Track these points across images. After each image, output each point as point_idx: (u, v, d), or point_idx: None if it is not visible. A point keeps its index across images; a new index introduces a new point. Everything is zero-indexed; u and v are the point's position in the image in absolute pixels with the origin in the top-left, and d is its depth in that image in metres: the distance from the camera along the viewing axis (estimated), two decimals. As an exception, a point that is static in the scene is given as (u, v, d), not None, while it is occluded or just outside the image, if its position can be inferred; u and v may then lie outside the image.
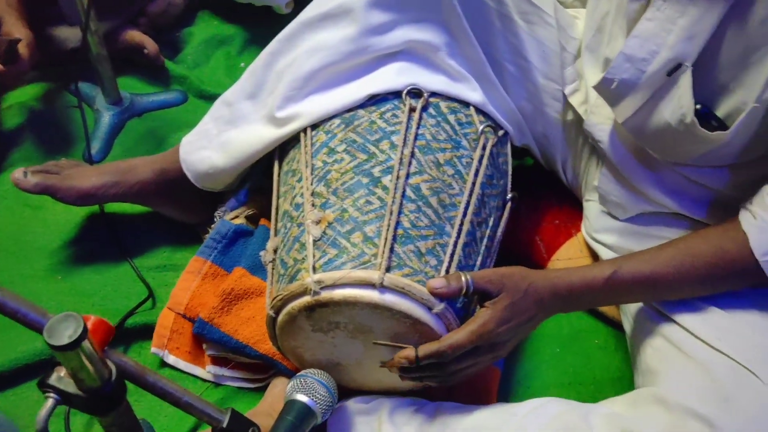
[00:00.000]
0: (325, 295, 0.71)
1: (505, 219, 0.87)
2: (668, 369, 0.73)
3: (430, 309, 0.71)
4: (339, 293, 0.71)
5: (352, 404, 0.81)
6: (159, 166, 0.95)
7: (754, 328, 0.72)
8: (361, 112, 0.81)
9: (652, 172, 0.83)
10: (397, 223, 0.74)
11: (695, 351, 0.71)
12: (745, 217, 0.71)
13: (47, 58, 1.14)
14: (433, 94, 0.83)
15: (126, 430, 0.64)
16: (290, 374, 0.83)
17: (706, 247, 0.72)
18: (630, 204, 0.86)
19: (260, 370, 0.88)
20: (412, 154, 0.78)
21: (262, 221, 0.96)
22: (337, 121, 0.82)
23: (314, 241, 0.74)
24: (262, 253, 0.83)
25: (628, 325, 0.86)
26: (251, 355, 0.85)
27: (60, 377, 0.59)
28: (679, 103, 0.71)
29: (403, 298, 0.71)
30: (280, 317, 0.75)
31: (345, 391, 0.82)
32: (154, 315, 0.93)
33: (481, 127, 0.84)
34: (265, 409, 0.82)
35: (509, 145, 0.91)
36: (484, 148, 0.83)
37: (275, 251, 0.80)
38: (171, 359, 0.90)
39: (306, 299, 0.72)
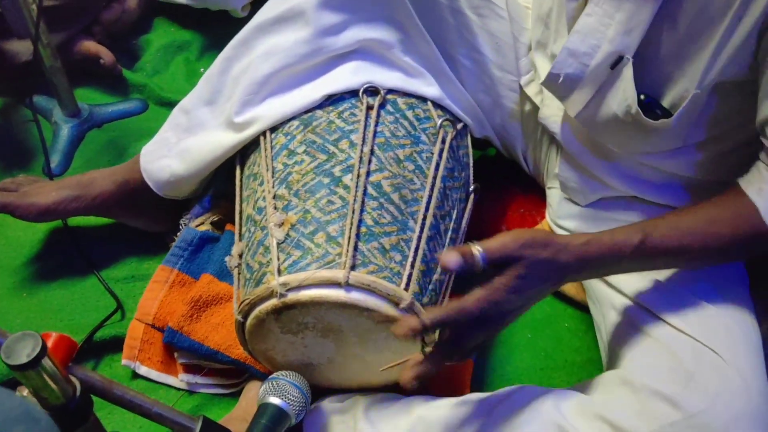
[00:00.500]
0: (292, 296, 0.71)
1: (469, 210, 0.88)
2: (633, 351, 0.74)
3: (397, 304, 0.72)
4: (305, 294, 0.71)
5: (327, 404, 0.81)
6: (120, 177, 0.94)
7: (717, 310, 0.74)
8: (319, 112, 0.81)
9: (607, 160, 0.85)
10: (360, 221, 0.74)
11: (659, 332, 0.73)
12: (749, 189, 0.69)
13: (0, 73, 1.13)
14: (390, 91, 0.83)
15: (96, 446, 0.63)
16: (263, 377, 0.83)
17: (726, 212, 0.69)
18: (589, 190, 0.87)
19: (233, 375, 0.88)
20: (372, 152, 0.78)
21: (228, 227, 0.95)
22: (295, 122, 0.82)
23: (278, 244, 0.74)
24: (227, 258, 0.83)
25: (595, 310, 0.88)
26: (223, 360, 0.85)
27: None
28: (624, 95, 0.73)
29: (370, 295, 0.71)
30: (249, 321, 0.75)
31: (319, 391, 0.82)
32: (123, 327, 0.92)
33: (439, 122, 0.85)
34: (239, 414, 0.82)
35: (469, 138, 0.92)
36: (443, 141, 0.84)
37: (240, 256, 0.80)
38: (143, 370, 0.89)
39: (273, 302, 0.72)
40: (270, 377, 0.74)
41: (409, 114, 0.83)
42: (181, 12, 1.35)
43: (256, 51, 0.84)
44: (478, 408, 0.76)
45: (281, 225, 0.75)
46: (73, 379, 0.60)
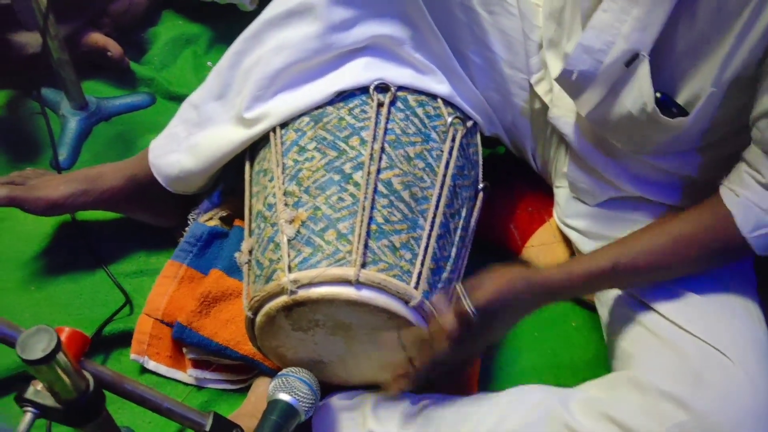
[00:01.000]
0: (302, 294, 0.71)
1: (478, 209, 0.88)
2: (642, 352, 0.74)
3: (407, 303, 0.72)
4: (316, 291, 0.71)
5: (336, 401, 0.82)
6: (129, 171, 0.94)
7: (724, 310, 0.74)
8: (329, 109, 0.81)
9: (616, 161, 0.84)
10: (370, 218, 0.74)
11: (667, 333, 0.73)
12: (726, 196, 0.71)
13: (7, 65, 1.12)
14: (401, 88, 0.83)
15: (108, 440, 0.64)
16: (272, 374, 0.83)
17: (694, 229, 0.72)
18: (598, 191, 0.87)
19: (242, 371, 0.88)
20: (383, 149, 0.78)
21: (237, 222, 0.95)
22: (306, 119, 0.81)
23: (288, 241, 0.74)
24: (237, 254, 0.83)
25: (602, 310, 0.88)
26: (232, 356, 0.85)
27: (37, 391, 0.59)
28: (639, 93, 0.72)
29: (380, 293, 0.71)
30: (259, 318, 0.75)
31: (328, 388, 0.82)
32: (132, 321, 0.92)
33: (449, 119, 0.85)
34: (248, 410, 0.83)
35: (479, 136, 0.91)
36: (453, 139, 0.84)
37: (250, 252, 0.80)
38: (152, 365, 0.89)
39: (283, 299, 0.72)
40: (280, 374, 0.74)
41: (420, 111, 0.83)
42: (189, 5, 1.35)
43: (266, 45, 0.84)
44: (486, 406, 0.77)
45: (292, 222, 0.75)
46: (85, 373, 0.60)
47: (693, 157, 0.79)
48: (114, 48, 1.21)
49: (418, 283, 0.73)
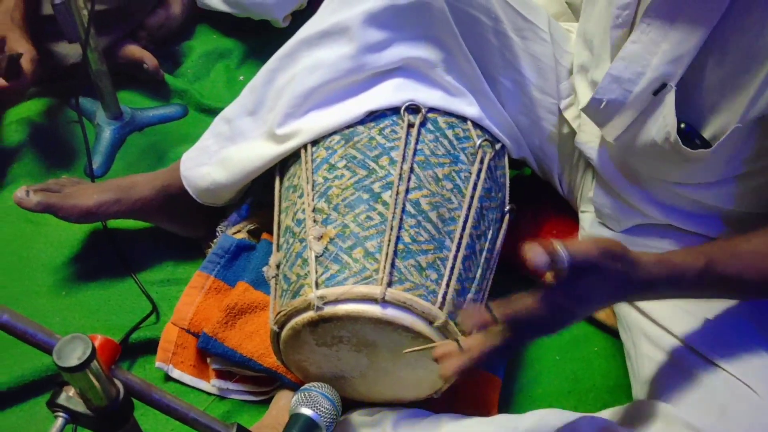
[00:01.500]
0: (328, 310, 0.72)
1: (504, 231, 0.88)
2: (666, 382, 0.74)
3: (431, 323, 0.73)
4: (342, 308, 0.72)
5: (356, 417, 0.82)
6: (160, 182, 0.96)
7: (751, 343, 0.73)
8: (360, 128, 0.83)
9: (642, 187, 0.84)
10: (398, 238, 0.75)
11: (693, 364, 0.73)
12: None
13: (47, 74, 1.15)
14: (431, 109, 0.84)
15: (134, 448, 0.65)
16: (294, 387, 0.85)
17: None
18: (624, 217, 0.87)
19: (264, 383, 0.89)
20: (411, 170, 0.79)
21: (264, 235, 0.97)
22: (336, 137, 0.83)
23: (316, 257, 0.75)
24: (265, 268, 0.84)
25: (625, 336, 0.87)
26: (255, 368, 0.86)
27: (69, 397, 0.60)
28: (664, 122, 0.73)
29: (405, 312, 0.72)
30: (284, 332, 0.76)
31: (349, 404, 0.83)
32: (158, 329, 0.94)
33: (478, 141, 0.85)
34: (269, 423, 0.83)
35: (506, 158, 0.92)
36: (482, 161, 0.85)
37: (278, 266, 0.81)
38: (176, 373, 0.91)
39: (309, 314, 0.73)
40: (302, 388, 0.75)
41: (449, 133, 0.84)
42: (223, 20, 1.38)
43: (300, 64, 0.85)
44: (506, 429, 0.76)
45: (320, 238, 0.76)
46: (116, 381, 0.61)
47: (719, 188, 0.79)
48: (150, 60, 1.24)
49: (443, 303, 0.74)
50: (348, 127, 0.83)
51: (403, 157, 0.80)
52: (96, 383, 0.57)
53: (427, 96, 0.84)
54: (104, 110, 1.18)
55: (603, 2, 0.79)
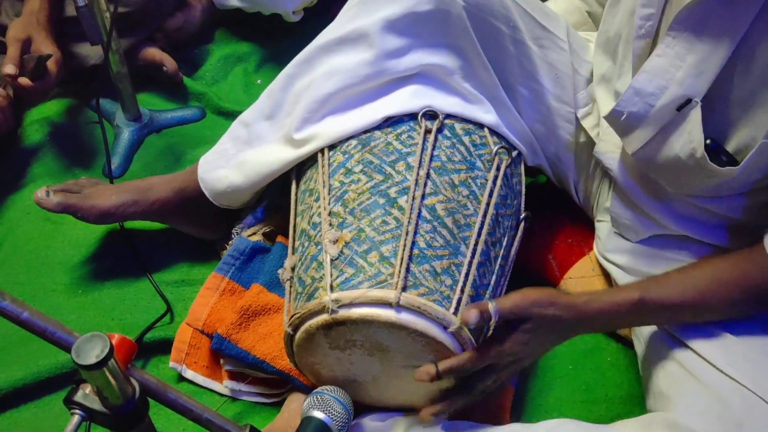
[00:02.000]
0: (343, 313, 0.72)
1: (519, 238, 0.88)
2: (680, 394, 0.73)
3: (445, 328, 0.73)
4: (356, 312, 0.72)
5: (368, 421, 0.82)
6: (177, 185, 0.97)
7: (766, 355, 0.72)
8: (377, 133, 0.83)
9: (661, 199, 0.84)
10: (413, 243, 0.75)
11: (707, 377, 0.72)
12: None
13: (69, 75, 1.17)
14: (448, 116, 0.84)
15: (148, 446, 0.65)
16: (306, 390, 0.85)
17: (732, 273, 0.72)
18: (641, 227, 0.87)
19: (277, 385, 0.90)
20: (428, 175, 0.80)
21: (279, 238, 0.97)
22: (353, 142, 0.83)
23: (332, 261, 0.76)
24: (280, 271, 0.85)
25: (639, 347, 0.87)
26: (268, 370, 0.87)
27: (85, 394, 0.61)
28: (689, 138, 0.72)
29: (419, 317, 0.72)
30: (298, 335, 0.76)
31: (361, 408, 0.83)
32: (172, 330, 0.95)
33: (495, 148, 0.86)
34: (281, 425, 0.84)
35: (522, 166, 0.92)
36: (498, 168, 0.85)
37: (293, 269, 0.82)
38: (189, 374, 0.91)
39: (324, 317, 0.73)
40: (315, 391, 0.75)
41: (466, 140, 0.84)
42: (240, 25, 1.39)
43: (318, 70, 0.86)
44: (520, 438, 0.77)
45: (336, 242, 0.76)
46: (132, 380, 0.62)
47: (740, 201, 0.79)
48: (169, 63, 1.25)
49: (457, 309, 0.74)
50: (365, 132, 0.83)
51: (420, 162, 0.80)
52: (113, 381, 0.58)
53: (445, 102, 0.84)
54: (123, 112, 1.19)
55: (625, 13, 0.79)
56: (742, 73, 0.69)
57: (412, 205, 0.77)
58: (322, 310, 0.73)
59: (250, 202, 0.99)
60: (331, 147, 0.84)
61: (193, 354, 0.91)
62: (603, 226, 0.94)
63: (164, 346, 0.94)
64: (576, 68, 0.89)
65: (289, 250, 0.85)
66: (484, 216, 0.80)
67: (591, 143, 0.91)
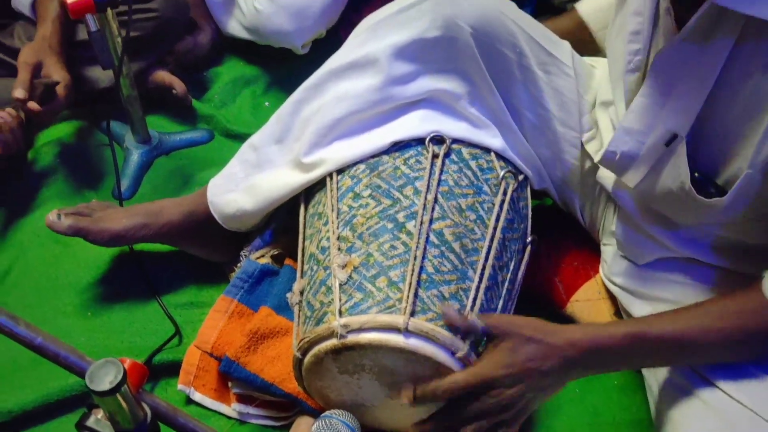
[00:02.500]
0: (352, 338, 0.73)
1: (525, 262, 0.89)
2: (688, 419, 0.73)
3: (453, 353, 0.73)
4: (365, 337, 0.72)
5: (376, 445, 0.82)
6: (187, 208, 0.98)
7: None
8: (385, 158, 0.84)
9: (666, 224, 0.85)
10: (421, 267, 0.76)
11: (715, 401, 0.72)
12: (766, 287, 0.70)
13: (79, 98, 1.19)
14: (455, 140, 0.85)
15: (158, 471, 0.66)
16: (315, 413, 0.85)
17: (733, 311, 0.71)
18: (647, 251, 0.88)
19: (285, 408, 0.90)
20: (436, 200, 0.80)
21: (287, 261, 0.98)
22: (362, 166, 0.84)
23: (340, 285, 0.76)
24: (288, 294, 0.85)
25: (647, 371, 0.87)
26: (276, 393, 0.87)
27: (98, 419, 0.62)
28: (677, 172, 0.75)
29: (428, 342, 0.72)
30: (307, 359, 0.77)
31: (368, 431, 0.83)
32: (180, 352, 0.95)
33: (501, 173, 0.86)
34: (289, 448, 0.84)
35: (529, 189, 0.93)
36: (504, 193, 0.85)
37: (302, 293, 0.82)
38: (197, 396, 0.91)
39: (333, 342, 0.74)
40: (323, 415, 0.76)
41: (473, 164, 0.85)
42: (248, 50, 1.41)
43: (327, 95, 0.87)
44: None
45: (344, 266, 0.77)
46: (144, 405, 0.62)
47: (742, 225, 0.79)
48: (179, 86, 1.27)
49: (465, 334, 0.74)
50: (373, 156, 0.84)
51: (428, 187, 0.81)
52: (125, 406, 0.59)
53: (452, 127, 0.85)
54: (133, 134, 1.20)
55: (619, 46, 0.81)
56: (724, 109, 0.71)
57: (420, 229, 0.78)
58: (331, 334, 0.74)
59: (259, 224, 1.00)
60: (340, 171, 0.85)
61: (202, 376, 0.92)
62: (609, 250, 0.94)
63: (173, 369, 0.95)
64: (581, 93, 0.90)
65: (298, 274, 0.85)
66: (492, 240, 0.81)
67: (595, 167, 0.92)
